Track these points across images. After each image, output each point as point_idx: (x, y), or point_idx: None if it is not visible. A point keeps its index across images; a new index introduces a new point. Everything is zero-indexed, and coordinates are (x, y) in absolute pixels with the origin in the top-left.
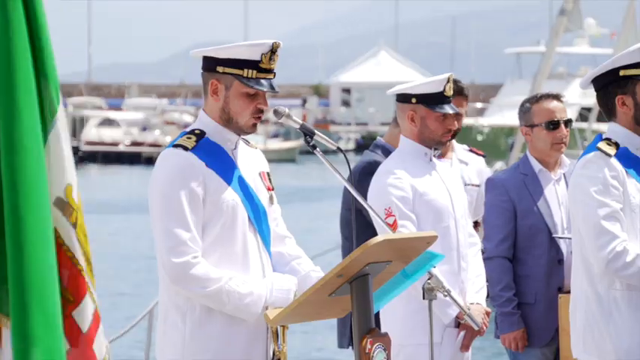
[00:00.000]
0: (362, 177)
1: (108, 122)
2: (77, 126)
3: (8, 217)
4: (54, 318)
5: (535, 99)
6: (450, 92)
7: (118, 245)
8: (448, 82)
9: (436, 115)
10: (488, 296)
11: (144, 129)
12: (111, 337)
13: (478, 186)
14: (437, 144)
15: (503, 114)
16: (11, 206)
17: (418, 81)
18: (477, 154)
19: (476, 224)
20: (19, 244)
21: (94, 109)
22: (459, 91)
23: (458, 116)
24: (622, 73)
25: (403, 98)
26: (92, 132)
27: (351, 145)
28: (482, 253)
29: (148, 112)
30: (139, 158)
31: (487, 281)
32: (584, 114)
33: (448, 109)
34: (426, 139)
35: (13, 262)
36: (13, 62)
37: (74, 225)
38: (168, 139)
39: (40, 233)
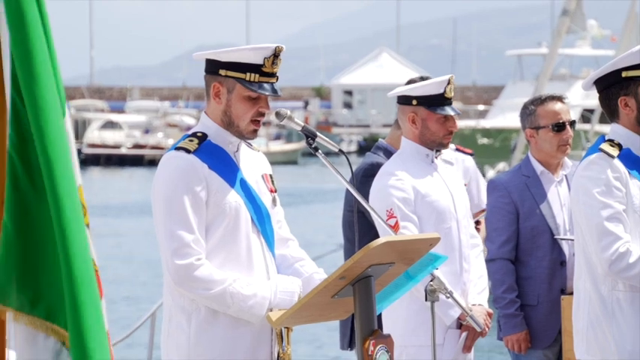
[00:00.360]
0: (364, 179)
1: (110, 125)
2: (79, 128)
3: (55, 220)
4: (102, 324)
5: (539, 101)
6: (450, 94)
7: (120, 248)
8: (449, 83)
9: (437, 116)
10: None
11: (146, 131)
12: (114, 340)
13: (465, 185)
14: (438, 145)
15: (505, 116)
16: (57, 215)
17: (419, 83)
18: (465, 152)
19: (477, 224)
20: (66, 248)
21: (97, 112)
22: None
23: None
24: (624, 74)
25: (404, 100)
26: (94, 134)
27: (353, 147)
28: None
29: (150, 114)
30: (141, 161)
31: (491, 282)
32: (586, 115)
33: (449, 111)
34: (427, 141)
35: (63, 267)
36: (35, 60)
37: (87, 226)
38: (170, 142)
39: (81, 235)
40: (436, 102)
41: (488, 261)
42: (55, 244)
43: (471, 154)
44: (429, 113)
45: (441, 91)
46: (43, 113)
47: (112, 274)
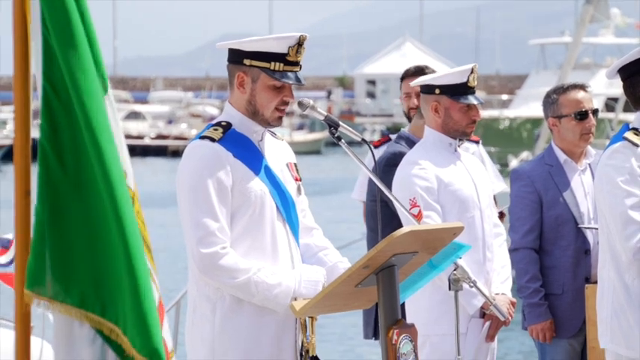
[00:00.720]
0: (386, 168)
1: (134, 115)
2: None
3: (109, 205)
4: (156, 311)
5: (562, 89)
6: (473, 83)
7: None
8: (472, 72)
9: (460, 105)
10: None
11: (170, 122)
12: None
13: None
14: (461, 134)
15: (529, 105)
16: (111, 200)
17: (442, 72)
18: (471, 140)
19: (501, 215)
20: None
21: (120, 103)
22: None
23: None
24: None
25: (427, 89)
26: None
27: (376, 137)
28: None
29: (174, 105)
30: (164, 151)
31: (515, 272)
32: (610, 104)
33: (472, 100)
34: (450, 130)
35: (123, 264)
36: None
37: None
38: (193, 132)
39: (133, 222)
40: (459, 91)
41: (512, 250)
42: (89, 232)
43: (476, 142)
44: (452, 102)
45: (464, 80)
46: (88, 99)
47: None
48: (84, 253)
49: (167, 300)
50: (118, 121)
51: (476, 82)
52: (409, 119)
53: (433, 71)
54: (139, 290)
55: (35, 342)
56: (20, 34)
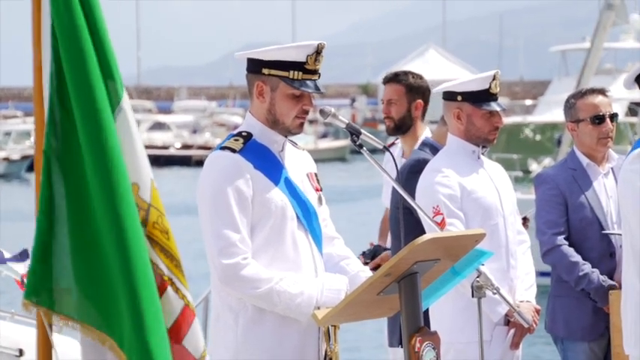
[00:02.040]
0: (410, 175)
1: (158, 126)
2: None
3: (112, 223)
4: (162, 323)
5: (580, 94)
6: (495, 89)
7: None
8: (494, 79)
9: (482, 112)
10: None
11: (194, 131)
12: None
13: None
14: (484, 141)
15: (552, 111)
16: (113, 215)
17: (464, 78)
18: None
19: (524, 220)
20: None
21: (145, 113)
22: (402, 81)
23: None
24: None
25: (449, 96)
26: (143, 136)
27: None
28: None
29: (198, 114)
30: (189, 161)
31: (559, 272)
32: (633, 109)
33: (494, 107)
34: (472, 137)
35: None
36: (86, 64)
37: (145, 225)
38: (218, 141)
39: (138, 235)
40: (481, 97)
41: (546, 252)
42: (88, 245)
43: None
44: (474, 109)
45: (486, 86)
46: (93, 113)
47: None
48: (81, 264)
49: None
50: (135, 131)
51: (498, 89)
52: (387, 129)
53: (418, 77)
54: (139, 305)
55: (60, 340)
56: (39, 47)
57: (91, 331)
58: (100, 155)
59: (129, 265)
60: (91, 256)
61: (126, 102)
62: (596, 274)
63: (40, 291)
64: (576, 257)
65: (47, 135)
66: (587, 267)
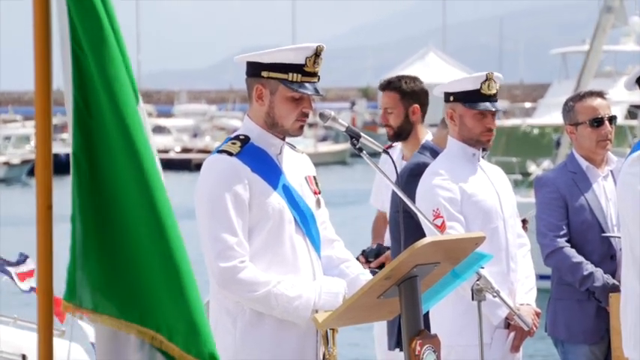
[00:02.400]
0: (410, 178)
1: (159, 129)
2: None
3: (150, 215)
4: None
5: (578, 97)
6: (488, 90)
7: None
8: (487, 80)
9: (473, 112)
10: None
11: (195, 135)
12: None
13: None
14: (476, 143)
15: (552, 114)
16: (153, 210)
17: (456, 78)
18: None
19: (524, 223)
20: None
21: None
22: (396, 87)
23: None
24: None
25: (445, 97)
26: None
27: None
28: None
29: (198, 118)
30: (189, 165)
31: (563, 273)
32: (633, 111)
33: (485, 107)
34: (466, 139)
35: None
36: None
37: None
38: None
39: (177, 230)
40: (472, 98)
41: (548, 255)
42: (125, 241)
43: None
44: (465, 109)
45: (477, 86)
46: (126, 110)
47: None
48: (121, 263)
49: None
50: (150, 133)
51: (493, 91)
52: (388, 137)
53: (412, 81)
54: (185, 296)
55: (63, 344)
56: (41, 49)
57: (135, 328)
58: (135, 153)
59: (172, 262)
60: (128, 253)
61: (141, 103)
62: (600, 273)
63: (80, 293)
64: (579, 258)
65: (75, 137)
66: (590, 266)
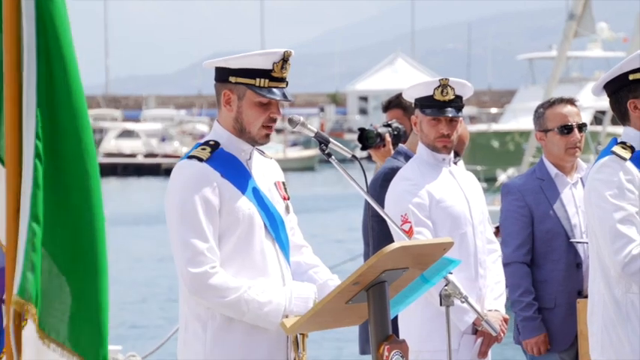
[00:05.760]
0: (384, 183)
1: (127, 134)
2: (96, 138)
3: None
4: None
5: (548, 104)
6: (442, 97)
7: (149, 255)
8: (440, 86)
9: (427, 118)
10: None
11: (163, 139)
12: (146, 351)
13: None
14: (433, 149)
15: (518, 120)
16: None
17: (412, 84)
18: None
19: (497, 230)
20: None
21: (113, 121)
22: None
23: (452, 123)
24: (631, 77)
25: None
26: (111, 144)
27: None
28: None
29: (166, 122)
30: (157, 170)
31: (507, 286)
32: (599, 117)
33: (437, 113)
34: (427, 145)
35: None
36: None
37: None
38: (185, 150)
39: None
40: (426, 104)
41: (504, 265)
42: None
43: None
44: (422, 115)
45: (430, 92)
46: (82, 118)
47: (131, 282)
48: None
49: (169, 321)
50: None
51: (448, 97)
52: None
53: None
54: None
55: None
56: (11, 47)
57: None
58: (83, 161)
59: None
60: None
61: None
62: (531, 308)
63: (31, 294)
64: (526, 283)
65: (41, 138)
66: (529, 298)
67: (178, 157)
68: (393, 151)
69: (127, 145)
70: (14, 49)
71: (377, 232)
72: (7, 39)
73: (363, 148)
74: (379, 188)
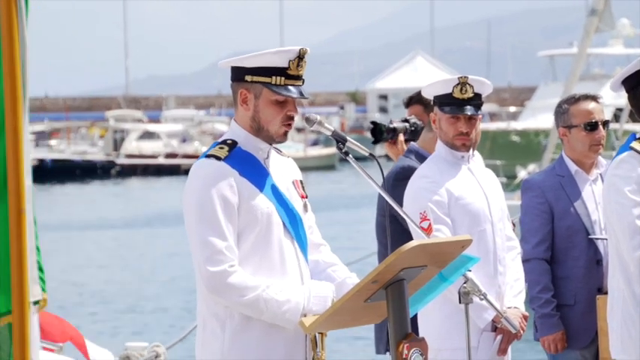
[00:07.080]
0: (396, 182)
1: (148, 135)
2: (117, 140)
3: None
4: None
5: (573, 100)
6: (461, 95)
7: (172, 258)
8: (459, 83)
9: (446, 116)
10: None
11: (183, 140)
12: (168, 342)
13: None
14: (452, 147)
15: (537, 117)
16: None
17: (431, 81)
18: None
19: (513, 224)
20: None
21: (134, 122)
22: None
23: (471, 121)
24: None
25: (432, 101)
26: (132, 145)
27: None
28: None
29: (186, 123)
30: (177, 170)
31: (527, 282)
32: (618, 115)
33: (456, 111)
34: (446, 142)
35: None
36: None
37: None
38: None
39: None
40: (445, 101)
41: (524, 261)
42: None
43: None
44: (441, 113)
45: (449, 90)
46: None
47: (154, 282)
48: None
49: (191, 319)
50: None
51: (467, 95)
52: None
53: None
54: None
55: None
56: (9, 55)
57: None
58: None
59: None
60: None
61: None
62: (550, 305)
63: None
64: (546, 280)
65: None
66: (548, 295)
67: (198, 157)
68: (405, 148)
69: (148, 147)
70: None
71: (391, 231)
72: None
73: (375, 142)
74: (391, 188)
